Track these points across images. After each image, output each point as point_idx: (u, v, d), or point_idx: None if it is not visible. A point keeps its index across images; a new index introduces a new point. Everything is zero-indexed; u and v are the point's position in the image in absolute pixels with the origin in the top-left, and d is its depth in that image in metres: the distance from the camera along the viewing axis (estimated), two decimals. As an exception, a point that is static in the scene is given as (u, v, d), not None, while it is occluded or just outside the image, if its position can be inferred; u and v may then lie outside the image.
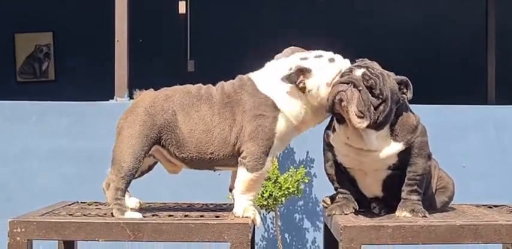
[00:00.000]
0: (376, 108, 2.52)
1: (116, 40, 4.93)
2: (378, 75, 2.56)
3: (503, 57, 7.11)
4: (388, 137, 2.63)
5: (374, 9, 8.09)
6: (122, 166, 2.63)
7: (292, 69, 2.62)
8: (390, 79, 2.59)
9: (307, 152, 4.88)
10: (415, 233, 2.47)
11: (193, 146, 2.67)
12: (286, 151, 4.90)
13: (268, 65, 2.76)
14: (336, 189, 2.85)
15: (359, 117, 2.51)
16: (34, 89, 7.79)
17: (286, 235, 4.89)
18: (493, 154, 5.01)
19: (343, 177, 2.80)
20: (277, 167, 4.54)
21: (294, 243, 4.89)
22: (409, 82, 2.63)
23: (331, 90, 2.57)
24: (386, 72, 2.63)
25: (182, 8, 6.83)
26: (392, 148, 2.63)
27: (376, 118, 2.53)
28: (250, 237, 2.49)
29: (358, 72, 2.56)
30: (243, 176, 2.63)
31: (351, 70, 2.58)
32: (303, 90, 2.62)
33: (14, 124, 4.92)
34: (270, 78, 2.69)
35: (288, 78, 2.61)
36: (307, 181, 4.60)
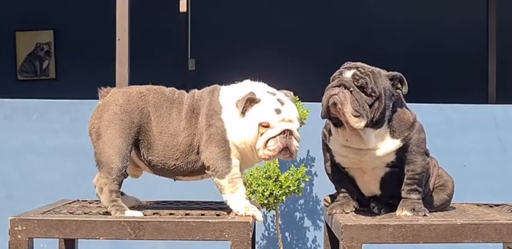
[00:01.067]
0: (370, 106, 2.53)
1: (117, 38, 4.92)
2: (368, 73, 2.56)
3: (504, 56, 7.10)
4: (386, 134, 2.63)
5: (375, 7, 8.09)
6: (112, 168, 2.63)
7: (245, 94, 2.64)
8: (382, 76, 2.59)
9: (308, 151, 4.88)
10: (416, 232, 2.47)
11: (161, 149, 2.68)
12: (287, 149, 4.90)
13: (240, 84, 2.78)
14: (336, 188, 2.86)
15: (356, 117, 2.51)
16: (34, 87, 7.80)
17: (287, 234, 4.89)
18: (494, 153, 5.01)
19: (342, 176, 2.80)
20: (278, 165, 4.54)
21: (294, 241, 4.90)
22: (403, 77, 2.62)
23: (324, 94, 2.57)
24: (378, 69, 2.62)
25: (183, 6, 6.82)
26: (391, 145, 2.64)
27: (373, 116, 2.54)
28: (250, 236, 2.50)
29: (348, 74, 2.56)
30: (219, 182, 2.66)
31: (341, 73, 2.58)
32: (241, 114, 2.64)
33: (15, 122, 4.92)
34: (234, 92, 2.70)
35: (237, 102, 2.64)
36: (307, 179, 4.60)
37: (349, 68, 2.59)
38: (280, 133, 2.60)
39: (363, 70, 2.56)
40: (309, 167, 4.84)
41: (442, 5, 8.07)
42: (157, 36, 7.77)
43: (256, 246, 4.67)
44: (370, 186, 2.78)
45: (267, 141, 2.60)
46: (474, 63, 7.49)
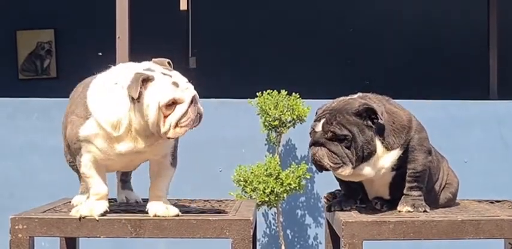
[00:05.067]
0: (349, 148, 2.56)
1: (118, 37, 4.93)
2: (334, 120, 2.58)
3: (505, 52, 7.08)
4: (382, 154, 2.62)
5: (375, 5, 8.07)
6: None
7: (134, 75, 2.43)
8: (349, 117, 2.58)
9: (309, 148, 4.88)
10: (417, 229, 2.47)
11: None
12: (287, 147, 4.90)
13: (110, 70, 2.59)
14: (340, 185, 2.86)
15: (338, 168, 2.57)
16: (36, 86, 7.80)
17: (288, 231, 4.89)
18: (495, 149, 5.01)
19: None
20: (279, 163, 4.54)
21: (296, 239, 4.90)
22: (371, 107, 2.59)
23: (310, 154, 2.62)
24: (346, 106, 2.61)
25: (183, 4, 6.80)
26: (390, 158, 2.65)
27: (356, 156, 2.56)
28: (251, 233, 2.50)
29: (318, 127, 2.61)
30: None
31: (313, 129, 2.63)
32: (137, 99, 2.42)
33: (17, 121, 4.92)
34: (102, 83, 2.53)
35: (129, 87, 2.41)
36: (308, 176, 4.60)
37: (319, 119, 2.63)
38: (189, 105, 2.44)
39: (329, 119, 2.59)
40: (309, 164, 4.84)
41: (444, 1, 8.05)
42: (158, 34, 7.76)
43: (258, 243, 4.67)
44: (380, 192, 2.78)
45: (180, 118, 2.43)
46: (475, 59, 7.48)
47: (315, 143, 2.61)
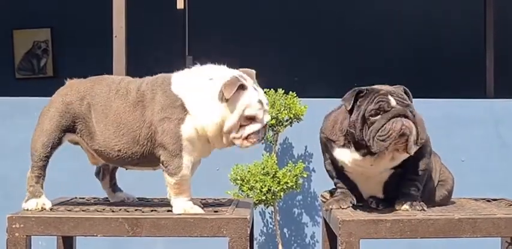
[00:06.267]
0: None
1: (114, 36, 4.93)
2: (405, 98, 2.56)
3: (501, 51, 7.09)
4: None
5: (373, 4, 8.08)
6: (33, 154, 2.71)
7: (232, 77, 2.57)
8: (408, 96, 2.60)
9: (306, 147, 4.88)
10: (414, 227, 2.48)
11: (102, 140, 2.68)
12: (284, 146, 4.91)
13: (195, 68, 2.69)
14: (335, 184, 2.86)
15: (415, 144, 2.52)
16: (32, 85, 7.79)
17: (285, 230, 4.90)
18: (492, 148, 5.01)
19: (341, 173, 2.80)
20: (276, 162, 4.54)
21: (293, 238, 4.90)
22: (406, 88, 2.62)
23: (388, 127, 2.49)
24: (392, 89, 2.60)
25: (180, 3, 6.80)
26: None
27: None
28: (248, 232, 2.50)
29: (393, 102, 2.54)
30: (167, 180, 2.64)
31: (387, 102, 2.53)
32: (225, 100, 2.57)
33: (15, 120, 4.92)
34: (190, 80, 2.64)
35: (225, 86, 2.55)
36: (305, 175, 4.60)
37: (386, 94, 2.54)
38: (263, 126, 2.63)
39: (398, 97, 2.55)
40: (306, 163, 4.84)
41: (444, 1, 8.05)
42: (155, 33, 7.76)
43: (255, 242, 4.68)
44: (375, 190, 2.77)
45: (250, 134, 2.61)
46: (472, 58, 7.49)
47: (399, 115, 2.51)
